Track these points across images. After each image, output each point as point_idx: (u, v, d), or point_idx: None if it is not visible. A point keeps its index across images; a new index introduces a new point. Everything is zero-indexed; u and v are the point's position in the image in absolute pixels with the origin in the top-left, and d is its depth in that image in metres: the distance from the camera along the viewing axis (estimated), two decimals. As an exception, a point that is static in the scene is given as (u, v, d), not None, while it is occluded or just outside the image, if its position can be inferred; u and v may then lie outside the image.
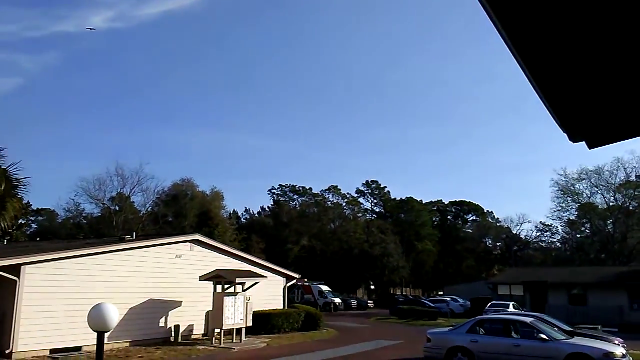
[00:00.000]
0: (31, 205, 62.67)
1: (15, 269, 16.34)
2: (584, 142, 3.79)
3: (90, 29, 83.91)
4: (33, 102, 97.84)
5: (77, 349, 17.56)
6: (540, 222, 78.55)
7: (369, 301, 59.36)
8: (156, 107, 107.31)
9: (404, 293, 75.13)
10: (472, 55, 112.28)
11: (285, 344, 22.11)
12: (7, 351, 15.97)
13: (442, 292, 62.93)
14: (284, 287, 28.49)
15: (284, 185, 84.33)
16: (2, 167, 18.02)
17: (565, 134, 3.69)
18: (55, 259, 17.61)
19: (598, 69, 2.78)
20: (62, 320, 17.28)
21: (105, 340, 5.13)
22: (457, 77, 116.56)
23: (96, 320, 4.95)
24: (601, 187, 63.94)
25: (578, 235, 71.14)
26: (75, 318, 16.88)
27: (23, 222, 55.07)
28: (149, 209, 61.92)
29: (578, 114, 3.45)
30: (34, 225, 70.93)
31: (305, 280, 50.01)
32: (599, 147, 3.96)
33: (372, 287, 76.43)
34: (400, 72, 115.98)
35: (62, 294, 17.54)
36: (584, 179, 64.73)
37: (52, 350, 17.00)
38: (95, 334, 4.99)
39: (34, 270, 16.89)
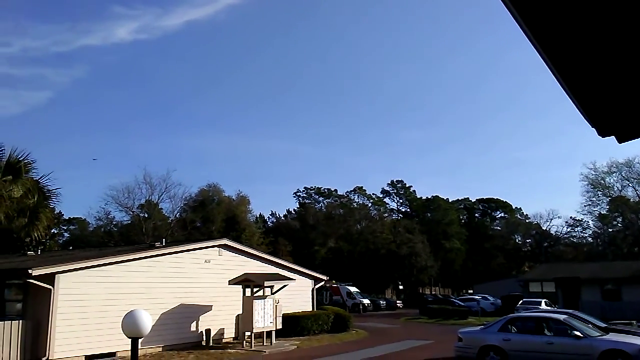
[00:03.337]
0: (63, 215, 64.09)
1: (50, 278, 16.71)
2: (613, 137, 3.75)
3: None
4: (63, 115, 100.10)
5: (112, 354, 17.87)
6: (571, 217, 77.25)
7: (397, 301, 59.03)
8: (181, 115, 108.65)
9: (433, 292, 74.54)
10: (488, 48, 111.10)
11: (315, 345, 22.15)
12: (43, 358, 16.32)
13: (471, 291, 62.25)
14: (312, 289, 28.54)
15: (309, 188, 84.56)
16: (34, 179, 18.46)
17: (594, 129, 3.65)
18: (88, 267, 17.94)
19: (625, 64, 2.75)
20: (96, 327, 17.60)
21: (139, 346, 5.22)
22: (474, 72, 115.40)
23: (130, 326, 5.04)
24: (632, 180, 62.61)
25: (610, 230, 69.67)
26: (109, 324, 17.19)
27: (56, 231, 56.31)
28: (177, 215, 62.68)
29: (606, 109, 3.41)
30: (66, 235, 72.51)
31: (334, 281, 50.02)
32: (629, 142, 3.91)
33: (401, 287, 75.99)
34: (413, 69, 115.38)
35: (96, 301, 17.87)
36: (614, 172, 63.52)
37: (88, 357, 17.32)
38: (129, 340, 5.08)
39: (67, 279, 17.24)
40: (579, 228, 76.37)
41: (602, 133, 3.66)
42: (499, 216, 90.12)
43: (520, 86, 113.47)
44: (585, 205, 67.46)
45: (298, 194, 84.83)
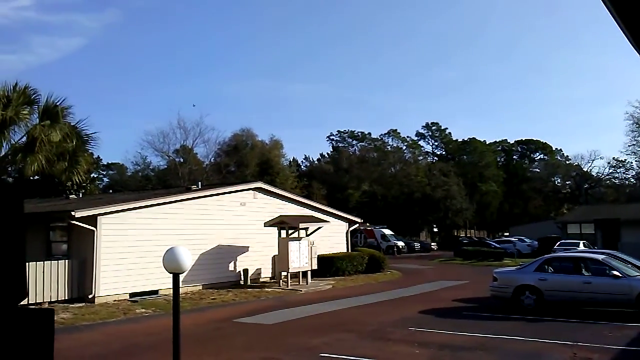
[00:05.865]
0: (101, 160, 65.69)
1: (92, 220, 17.25)
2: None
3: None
4: (97, 61, 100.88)
5: (154, 292, 18.58)
6: (614, 158, 74.74)
7: (432, 244, 59.25)
8: (213, 59, 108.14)
9: (468, 235, 74.43)
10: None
11: (350, 285, 22.53)
12: (90, 296, 17.09)
13: (507, 233, 61.84)
14: (347, 231, 28.79)
15: (342, 131, 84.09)
16: (72, 124, 18.76)
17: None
18: (129, 209, 18.44)
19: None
20: (138, 267, 18.24)
21: (180, 284, 5.33)
22: (518, 9, 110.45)
23: (171, 262, 5.12)
24: (680, 118, 60.00)
25: (655, 171, 67.46)
26: (150, 264, 17.78)
27: (95, 176, 57.88)
28: (211, 160, 63.44)
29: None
30: (105, 179, 74.45)
31: (368, 224, 50.35)
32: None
33: (435, 230, 76.04)
34: (456, 6, 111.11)
35: (137, 241, 18.44)
36: (661, 109, 60.80)
37: (132, 294, 18.05)
38: (171, 276, 5.18)
39: (109, 220, 17.77)
40: (621, 169, 74.00)
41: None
42: (537, 158, 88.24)
43: (564, 23, 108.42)
44: (629, 145, 65.07)
45: (331, 137, 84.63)
